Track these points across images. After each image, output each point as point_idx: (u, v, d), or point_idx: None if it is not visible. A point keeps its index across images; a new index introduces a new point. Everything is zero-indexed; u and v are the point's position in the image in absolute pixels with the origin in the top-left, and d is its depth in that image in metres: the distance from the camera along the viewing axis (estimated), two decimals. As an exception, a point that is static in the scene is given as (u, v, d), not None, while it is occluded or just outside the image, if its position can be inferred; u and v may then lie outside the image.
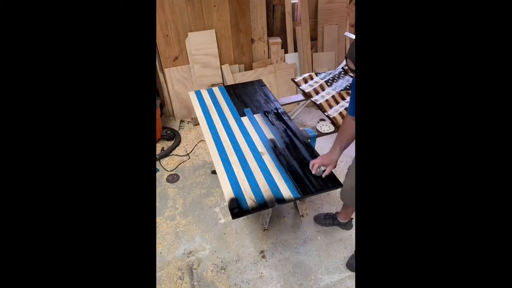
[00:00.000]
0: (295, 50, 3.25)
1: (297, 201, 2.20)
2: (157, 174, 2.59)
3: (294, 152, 1.77)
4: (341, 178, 2.46)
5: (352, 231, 2.15)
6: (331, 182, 1.58)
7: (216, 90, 2.29)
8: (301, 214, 2.24)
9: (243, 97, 2.24)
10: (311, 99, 2.27)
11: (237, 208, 1.46)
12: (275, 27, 3.21)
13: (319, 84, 2.39)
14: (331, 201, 2.36)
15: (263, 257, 2.01)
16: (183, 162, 2.69)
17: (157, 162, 2.68)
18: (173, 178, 2.54)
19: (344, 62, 2.80)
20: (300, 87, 2.42)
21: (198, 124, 2.17)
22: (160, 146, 2.84)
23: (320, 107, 2.17)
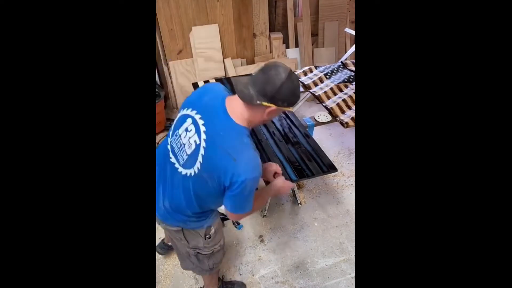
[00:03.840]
0: (296, 45, 3.32)
1: (295, 190, 2.28)
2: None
3: (292, 140, 1.85)
4: (337, 166, 2.51)
5: (349, 218, 2.23)
6: (326, 166, 1.66)
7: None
8: (299, 202, 2.32)
9: (244, 88, 2.32)
10: (310, 90, 2.34)
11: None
12: (277, 22, 3.29)
13: (318, 77, 2.47)
14: (328, 190, 2.43)
15: (262, 241, 2.09)
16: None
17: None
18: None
19: (343, 57, 2.88)
20: (300, 80, 2.50)
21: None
22: (163, 137, 2.93)
23: (318, 98, 2.25)
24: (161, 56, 2.97)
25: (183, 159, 1.11)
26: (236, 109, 1.04)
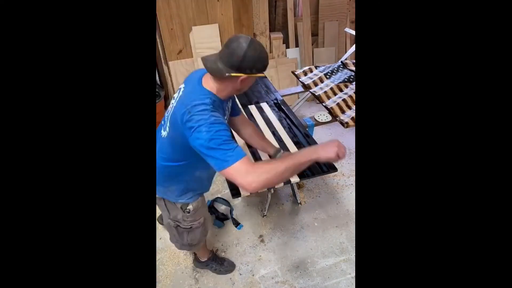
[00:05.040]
0: (296, 45, 3.32)
1: (295, 189, 2.28)
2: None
3: (292, 140, 1.85)
4: (337, 166, 2.53)
5: (349, 218, 2.23)
6: (326, 165, 1.66)
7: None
8: (299, 202, 2.31)
9: (244, 88, 2.32)
10: (310, 90, 2.34)
11: (235, 190, 1.54)
12: (277, 22, 3.29)
13: (318, 76, 2.47)
14: (329, 190, 2.43)
15: (262, 241, 2.09)
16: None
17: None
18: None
19: (343, 57, 2.87)
20: (300, 79, 2.50)
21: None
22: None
23: (318, 98, 2.25)
24: (161, 56, 2.97)
25: (163, 123, 1.24)
26: (209, 80, 1.13)
